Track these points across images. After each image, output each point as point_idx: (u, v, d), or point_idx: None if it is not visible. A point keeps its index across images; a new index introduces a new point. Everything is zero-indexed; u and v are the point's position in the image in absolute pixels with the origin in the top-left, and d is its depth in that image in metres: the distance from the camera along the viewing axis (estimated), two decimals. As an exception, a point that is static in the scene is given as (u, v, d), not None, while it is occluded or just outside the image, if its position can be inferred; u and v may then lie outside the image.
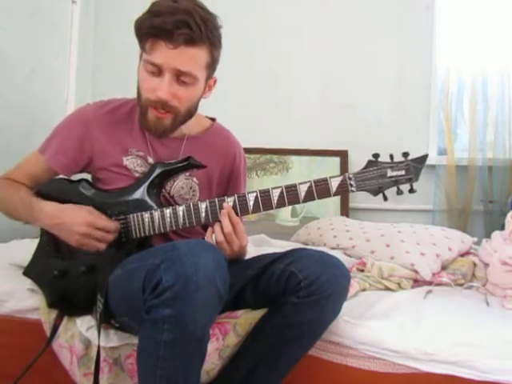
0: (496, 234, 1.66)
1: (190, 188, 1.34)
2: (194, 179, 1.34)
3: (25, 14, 2.23)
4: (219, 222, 1.17)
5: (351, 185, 1.14)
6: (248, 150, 2.11)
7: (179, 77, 1.18)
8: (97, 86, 2.73)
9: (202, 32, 1.14)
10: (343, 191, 1.15)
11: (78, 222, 1.18)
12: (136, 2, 1.20)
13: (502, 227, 1.69)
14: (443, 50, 2.37)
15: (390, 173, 1.14)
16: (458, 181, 2.31)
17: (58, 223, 1.21)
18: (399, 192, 1.15)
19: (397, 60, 2.47)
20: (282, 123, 2.56)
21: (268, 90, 2.58)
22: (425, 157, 1.16)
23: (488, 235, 1.77)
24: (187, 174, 1.33)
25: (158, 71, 1.17)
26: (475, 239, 1.84)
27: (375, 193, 1.15)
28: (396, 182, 1.14)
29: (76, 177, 1.33)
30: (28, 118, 2.26)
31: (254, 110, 2.58)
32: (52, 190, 1.31)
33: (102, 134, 1.29)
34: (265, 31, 2.57)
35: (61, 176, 1.34)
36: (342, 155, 2.45)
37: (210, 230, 1.20)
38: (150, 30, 1.14)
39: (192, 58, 1.16)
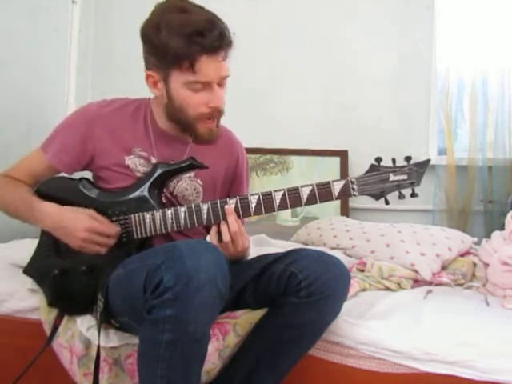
0: (496, 234, 1.66)
1: (194, 189, 1.34)
2: (198, 180, 1.34)
3: (25, 14, 2.23)
4: (225, 221, 1.18)
5: (353, 189, 1.14)
6: (248, 150, 2.11)
7: (222, 81, 1.21)
8: (97, 86, 2.72)
9: (229, 32, 1.19)
10: (345, 195, 1.16)
11: (79, 228, 1.18)
12: (136, 2, 1.19)
13: (501, 227, 1.69)
14: (443, 49, 2.37)
15: (392, 177, 1.14)
16: (458, 181, 2.31)
17: (58, 226, 1.22)
18: (401, 196, 1.15)
19: (397, 60, 2.47)
20: (282, 123, 2.55)
21: (269, 90, 2.58)
22: (427, 161, 1.16)
23: (488, 235, 1.77)
24: (191, 175, 1.33)
25: (204, 85, 1.19)
26: (475, 239, 1.84)
27: (377, 197, 1.16)
28: (398, 186, 1.15)
29: (76, 175, 1.33)
30: (28, 118, 2.25)
31: (254, 110, 2.58)
32: (52, 188, 1.31)
33: (105, 134, 1.29)
34: (266, 31, 2.57)
35: (61, 174, 1.34)
36: (342, 155, 2.44)
37: (214, 228, 1.20)
38: (201, 51, 1.14)
39: (228, 60, 1.20)
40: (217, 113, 1.23)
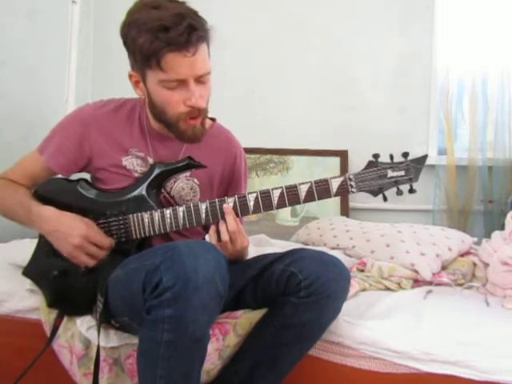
0: (496, 234, 1.66)
1: (191, 189, 1.34)
2: (195, 180, 1.34)
3: (24, 14, 2.23)
4: (224, 221, 1.18)
5: (351, 185, 1.14)
6: (248, 150, 2.12)
7: (199, 78, 1.17)
8: (97, 86, 2.72)
9: (202, 25, 1.14)
10: (343, 192, 1.15)
11: (74, 234, 1.18)
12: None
13: (502, 227, 1.69)
14: (443, 49, 2.37)
15: (390, 173, 1.14)
16: (457, 181, 2.31)
17: (54, 230, 1.21)
18: (399, 192, 1.15)
19: (397, 60, 2.46)
20: (282, 123, 2.55)
21: (269, 90, 2.58)
22: (424, 157, 1.16)
23: (488, 235, 1.77)
24: (188, 174, 1.33)
25: (179, 83, 1.16)
26: (475, 239, 1.83)
27: (375, 193, 1.16)
28: (396, 182, 1.15)
29: (75, 176, 1.33)
30: (28, 119, 2.25)
31: (254, 111, 2.58)
32: (50, 189, 1.31)
33: (101, 135, 1.29)
34: (266, 30, 2.56)
35: (59, 175, 1.34)
36: (342, 155, 2.44)
37: (212, 227, 1.20)
38: (165, 47, 1.10)
39: (204, 56, 1.17)
40: (197, 111, 1.19)
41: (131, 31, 1.13)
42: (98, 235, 1.21)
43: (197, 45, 1.12)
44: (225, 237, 1.17)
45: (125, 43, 1.18)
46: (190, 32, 1.10)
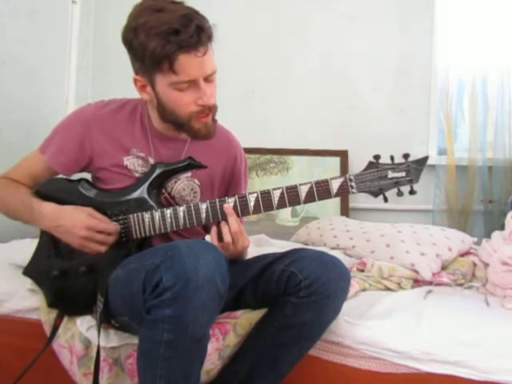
0: (496, 234, 1.66)
1: (192, 189, 1.34)
2: (196, 180, 1.34)
3: (25, 14, 2.23)
4: (226, 222, 1.18)
5: (352, 186, 1.14)
6: (248, 150, 2.12)
7: (208, 77, 1.19)
8: (97, 86, 2.72)
9: (207, 25, 1.16)
10: (344, 192, 1.15)
11: (78, 226, 1.18)
12: (136, 2, 1.19)
13: (502, 227, 1.69)
14: (443, 49, 2.37)
15: (390, 174, 1.14)
16: (457, 181, 2.31)
17: (58, 225, 1.21)
18: (399, 193, 1.15)
19: (397, 60, 2.47)
20: (282, 123, 2.55)
21: (269, 90, 2.58)
22: (425, 158, 1.16)
23: (488, 235, 1.76)
24: (189, 175, 1.33)
25: (189, 84, 1.17)
26: (475, 239, 1.84)
27: (376, 194, 1.16)
28: (396, 183, 1.15)
29: (75, 176, 1.33)
30: (28, 119, 2.25)
31: (254, 110, 2.58)
32: (51, 189, 1.31)
33: (102, 135, 1.29)
34: (266, 30, 2.57)
35: (60, 175, 1.34)
36: (342, 155, 2.44)
37: (214, 228, 1.20)
38: (177, 50, 1.11)
39: (211, 54, 1.18)
40: (208, 109, 1.21)
41: (139, 36, 1.13)
42: (101, 223, 1.21)
43: (206, 45, 1.15)
44: (227, 238, 1.18)
45: (130, 48, 1.17)
46: (199, 33, 1.12)
